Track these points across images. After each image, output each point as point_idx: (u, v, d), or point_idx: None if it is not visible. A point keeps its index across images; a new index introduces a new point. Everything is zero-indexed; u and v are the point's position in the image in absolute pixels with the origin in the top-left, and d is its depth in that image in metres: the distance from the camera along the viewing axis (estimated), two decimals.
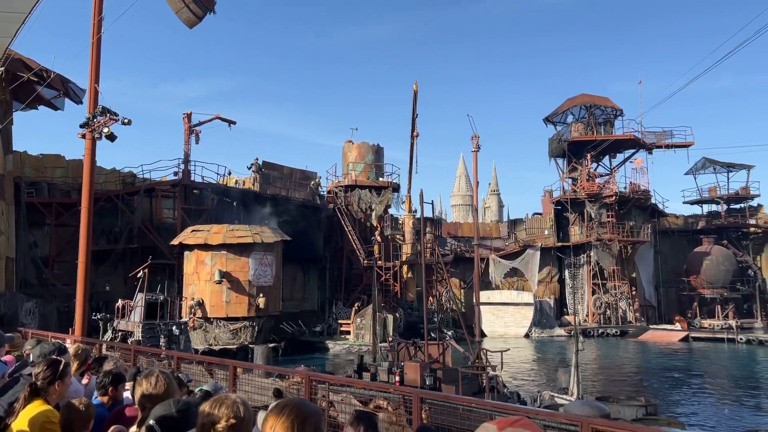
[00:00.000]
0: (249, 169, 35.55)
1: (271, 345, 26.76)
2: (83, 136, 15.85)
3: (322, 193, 40.63)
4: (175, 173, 33.00)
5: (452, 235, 47.70)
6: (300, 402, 1.86)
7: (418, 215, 35.84)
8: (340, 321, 35.22)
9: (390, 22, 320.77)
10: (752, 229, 49.43)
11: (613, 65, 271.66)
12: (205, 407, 2.03)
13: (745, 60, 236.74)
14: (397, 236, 41.48)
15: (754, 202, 49.97)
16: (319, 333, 34.65)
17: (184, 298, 27.58)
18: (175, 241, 29.30)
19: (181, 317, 24.75)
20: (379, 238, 39.87)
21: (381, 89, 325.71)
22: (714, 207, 51.58)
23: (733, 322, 40.92)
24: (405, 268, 39.58)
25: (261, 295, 28.75)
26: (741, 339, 37.56)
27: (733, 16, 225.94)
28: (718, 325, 41.35)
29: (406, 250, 39.72)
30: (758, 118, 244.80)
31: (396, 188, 41.76)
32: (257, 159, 35.81)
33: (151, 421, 2.47)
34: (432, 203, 49.00)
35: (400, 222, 43.09)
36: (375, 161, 42.03)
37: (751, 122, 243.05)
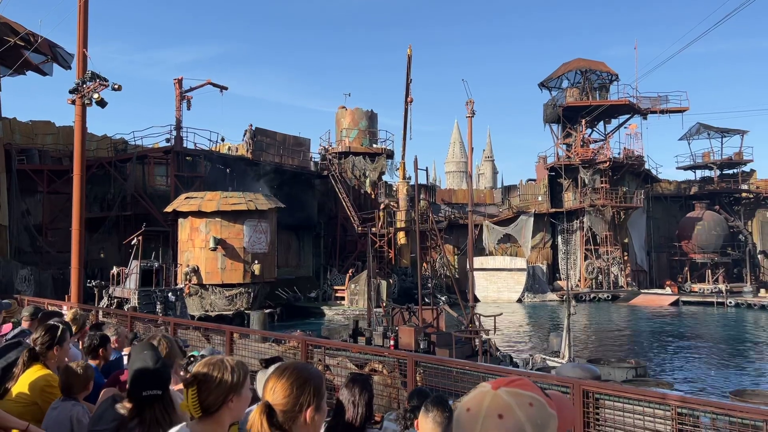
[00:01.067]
0: (243, 137, 35.28)
1: (267, 311, 27.00)
2: (73, 102, 15.62)
3: (315, 159, 40.43)
4: (167, 140, 32.73)
5: (446, 202, 47.78)
6: (302, 365, 1.88)
7: (412, 182, 35.80)
8: (335, 287, 35.52)
9: None
10: (744, 194, 49.76)
11: (609, 29, 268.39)
12: (198, 367, 2.07)
13: (742, 24, 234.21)
14: (392, 203, 41.50)
15: (747, 168, 50.21)
16: (314, 299, 34.97)
17: (179, 265, 27.68)
18: (168, 209, 29.24)
19: (176, 284, 24.88)
20: (383, 205, 39.74)
21: (375, 54, 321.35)
22: (707, 172, 51.80)
23: (722, 286, 41.56)
24: (399, 234, 39.72)
25: (256, 261, 28.87)
26: (730, 303, 38.21)
27: None
28: (708, 290, 41.99)
29: (401, 216, 39.78)
30: (754, 83, 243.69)
31: (390, 155, 41.58)
32: (251, 125, 35.50)
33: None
34: (426, 170, 48.71)
35: (395, 189, 43.06)
36: (369, 127, 41.72)
37: (746, 87, 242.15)
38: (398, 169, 42.20)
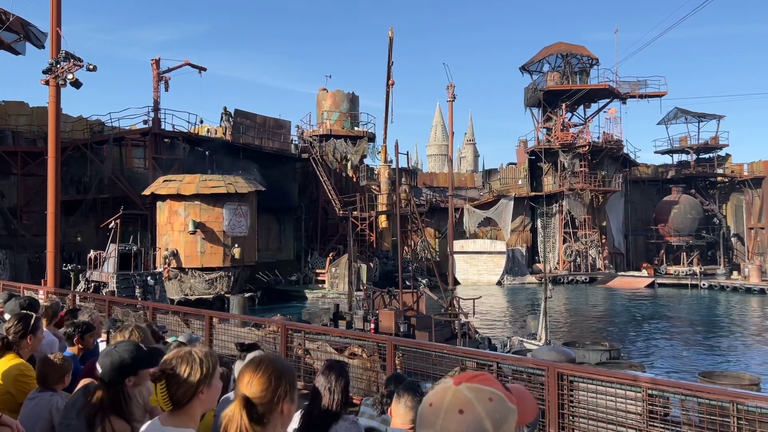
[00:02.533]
0: (221, 120, 34.83)
1: (248, 294, 26.96)
2: (47, 83, 15.27)
3: (296, 142, 40.12)
4: (145, 122, 32.18)
5: (428, 185, 47.89)
6: (276, 358, 1.92)
7: (393, 165, 35.79)
8: (315, 270, 35.55)
9: None
10: (719, 178, 50.65)
11: (591, 15, 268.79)
12: (167, 357, 2.09)
13: (719, 11, 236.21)
14: (373, 186, 41.48)
15: (722, 152, 51.04)
16: (295, 282, 34.98)
17: (157, 249, 27.43)
18: (146, 192, 28.87)
19: (155, 268, 24.68)
20: (366, 186, 39.57)
21: (357, 37, 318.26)
22: (684, 157, 52.55)
23: (697, 269, 42.46)
24: (381, 218, 39.77)
25: (236, 245, 28.73)
26: (704, 285, 39.08)
27: None
28: (683, 272, 42.87)
29: (382, 200, 39.79)
30: (730, 69, 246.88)
31: (372, 138, 41.45)
32: (225, 108, 35.04)
33: None
34: (407, 153, 48.86)
35: (376, 172, 43.01)
36: (350, 110, 41.47)
37: (723, 73, 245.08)
38: (380, 152, 42.12)
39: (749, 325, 25.76)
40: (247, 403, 1.74)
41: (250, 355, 4.68)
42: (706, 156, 51.34)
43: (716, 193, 50.41)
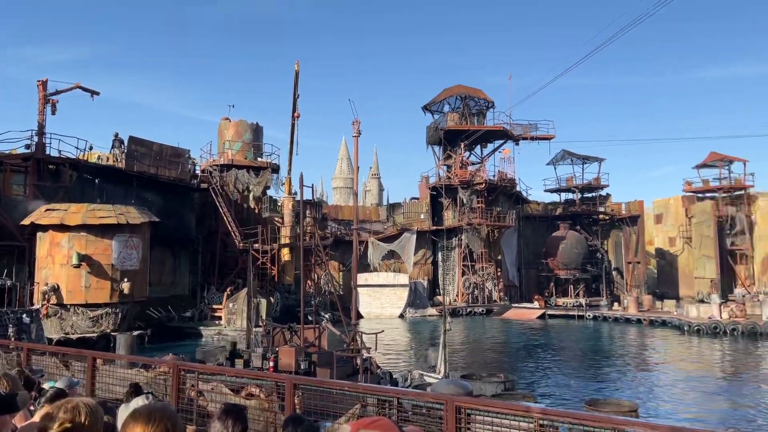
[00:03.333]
0: (112, 146, 32.97)
1: (136, 333, 25.27)
2: None
3: (195, 171, 38.73)
4: (27, 146, 29.79)
5: (333, 218, 47.91)
6: (163, 407, 1.87)
7: (298, 197, 35.50)
8: (212, 306, 34.12)
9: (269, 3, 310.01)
10: (601, 216, 54.94)
11: (487, 59, 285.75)
12: (46, 409, 1.94)
13: (600, 64, 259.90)
14: (276, 218, 40.82)
15: (603, 192, 55.50)
16: (189, 319, 33.30)
17: (35, 284, 25.17)
18: (26, 221, 26.54)
19: (32, 304, 22.59)
20: (269, 218, 38.81)
21: (262, 67, 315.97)
22: (570, 195, 56.54)
23: (583, 300, 45.37)
24: (284, 250, 39.10)
25: (126, 279, 26.98)
26: (589, 315, 41.76)
27: (594, 21, 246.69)
28: (570, 303, 45.60)
29: (285, 232, 39.21)
30: (610, 116, 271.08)
31: (275, 169, 40.93)
32: (117, 134, 33.31)
33: None
34: (312, 186, 48.24)
35: (279, 204, 42.44)
36: (254, 140, 40.83)
37: (604, 119, 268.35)
38: (284, 183, 41.67)
39: (628, 354, 27.77)
40: None
41: (134, 401, 4.36)
42: (590, 195, 55.59)
43: (599, 230, 54.57)
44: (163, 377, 10.08)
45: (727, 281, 51.76)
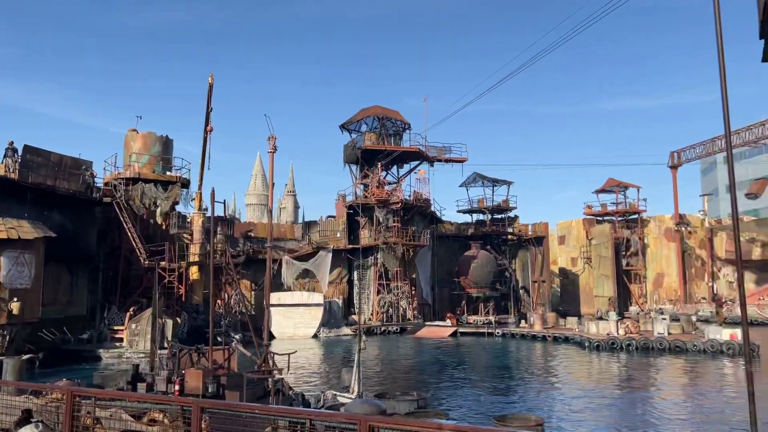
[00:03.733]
0: (4, 156, 30.45)
1: (27, 356, 23.25)
2: None
3: (98, 184, 36.53)
4: None
5: (245, 236, 46.71)
6: None
7: (209, 213, 34.30)
8: (113, 327, 32.10)
9: (180, 10, 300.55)
10: (510, 236, 57.32)
11: (404, 81, 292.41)
12: None
13: (514, 90, 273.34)
14: (185, 235, 39.21)
15: (512, 214, 57.99)
16: (87, 341, 31.12)
17: None
18: None
19: None
20: (177, 235, 37.04)
21: (173, 79, 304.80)
22: (482, 216, 58.63)
23: (492, 318, 46.86)
24: (192, 269, 37.54)
25: (15, 299, 24.86)
26: (498, 333, 43.16)
27: (507, 50, 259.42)
28: (480, 321, 46.96)
29: (194, 250, 37.70)
30: (519, 141, 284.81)
31: (186, 184, 39.42)
32: (11, 142, 30.90)
33: None
34: (225, 202, 47.18)
35: (189, 220, 40.83)
36: (163, 153, 39.18)
37: (514, 144, 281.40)
38: (194, 199, 40.19)
39: (534, 370, 28.88)
40: None
41: (23, 431, 3.95)
42: (500, 216, 57.92)
43: (507, 250, 56.86)
44: (55, 404, 9.31)
45: (623, 299, 55.44)
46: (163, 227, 38.91)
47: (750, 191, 52.52)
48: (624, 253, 56.34)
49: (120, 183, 36.54)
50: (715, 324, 36.27)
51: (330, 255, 45.46)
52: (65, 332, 30.39)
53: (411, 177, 51.92)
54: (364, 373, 19.24)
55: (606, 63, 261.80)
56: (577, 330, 39.31)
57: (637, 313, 46.40)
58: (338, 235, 48.33)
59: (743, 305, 6.70)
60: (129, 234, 35.17)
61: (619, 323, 36.19)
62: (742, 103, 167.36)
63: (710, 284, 56.99)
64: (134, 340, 29.93)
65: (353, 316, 45.93)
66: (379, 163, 48.47)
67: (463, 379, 25.18)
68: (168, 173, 38.89)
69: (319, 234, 48.44)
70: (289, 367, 16.91)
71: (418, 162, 50.91)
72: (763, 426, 8.06)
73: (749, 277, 54.19)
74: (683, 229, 57.13)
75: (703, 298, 55.14)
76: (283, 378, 15.69)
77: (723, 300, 49.93)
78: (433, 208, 52.46)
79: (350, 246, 47.52)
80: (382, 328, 44.27)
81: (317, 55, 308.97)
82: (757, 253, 58.84)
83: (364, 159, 48.80)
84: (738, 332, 30.83)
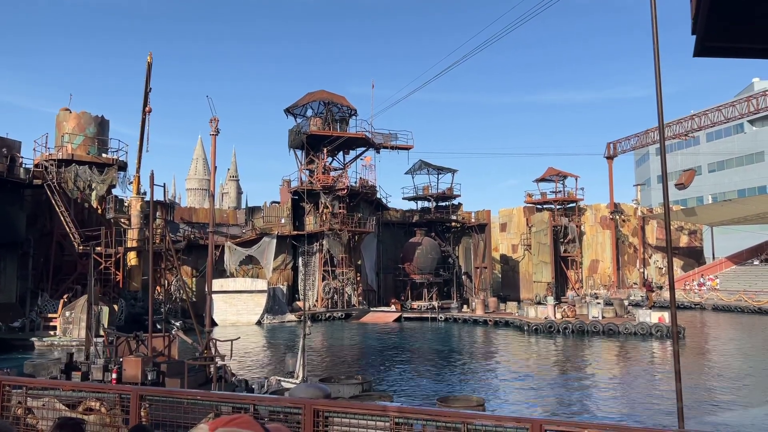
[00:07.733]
0: None
1: None
2: None
3: (27, 165, 34.66)
4: None
5: (186, 221, 45.49)
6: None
7: (147, 198, 33.18)
8: (46, 315, 30.70)
9: None
10: (453, 224, 58.27)
11: (350, 66, 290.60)
12: None
13: (459, 80, 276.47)
14: (122, 220, 37.82)
15: (456, 201, 58.92)
16: (18, 329, 29.69)
17: None
18: None
19: None
20: (114, 219, 35.66)
21: (109, 57, 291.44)
22: (426, 204, 59.28)
23: (435, 303, 47.65)
24: (130, 254, 36.30)
25: None
26: (441, 318, 43.93)
27: (453, 37, 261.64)
28: (424, 306, 47.66)
29: (132, 235, 36.45)
30: (463, 130, 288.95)
31: (123, 166, 37.96)
32: None
33: None
34: (164, 186, 45.70)
35: (126, 204, 39.39)
36: (98, 134, 37.54)
37: (458, 132, 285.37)
38: (132, 183, 38.79)
39: (475, 353, 29.64)
40: None
41: None
42: (444, 204, 58.71)
43: (451, 237, 57.82)
44: None
45: (561, 285, 57.51)
46: (99, 211, 37.41)
47: (678, 182, 55.34)
48: (562, 240, 58.39)
49: (52, 165, 34.81)
50: (645, 308, 38.21)
51: (274, 241, 44.94)
52: None
53: (357, 163, 51.90)
54: (309, 359, 19.22)
55: (550, 55, 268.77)
56: (516, 314, 40.52)
57: (573, 298, 48.25)
58: (283, 221, 47.78)
59: (672, 289, 7.08)
60: (61, 218, 33.61)
61: (556, 308, 37.53)
62: (674, 98, 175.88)
63: (641, 270, 59.96)
64: (68, 328, 28.75)
65: (298, 303, 45.67)
66: (325, 149, 48.09)
67: (406, 362, 25.56)
68: (104, 155, 37.33)
69: (263, 220, 47.75)
70: (231, 354, 16.69)
71: (364, 148, 50.83)
72: (686, 400, 8.59)
73: (677, 263, 57.34)
74: (617, 217, 59.72)
75: (635, 284, 57.98)
76: (225, 365, 15.48)
77: (652, 285, 52.66)
78: (378, 195, 52.62)
79: (295, 232, 47.09)
80: (327, 315, 44.24)
81: (261, 34, 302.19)
82: (684, 241, 62.25)
83: (309, 144, 48.27)
84: (666, 315, 32.60)
